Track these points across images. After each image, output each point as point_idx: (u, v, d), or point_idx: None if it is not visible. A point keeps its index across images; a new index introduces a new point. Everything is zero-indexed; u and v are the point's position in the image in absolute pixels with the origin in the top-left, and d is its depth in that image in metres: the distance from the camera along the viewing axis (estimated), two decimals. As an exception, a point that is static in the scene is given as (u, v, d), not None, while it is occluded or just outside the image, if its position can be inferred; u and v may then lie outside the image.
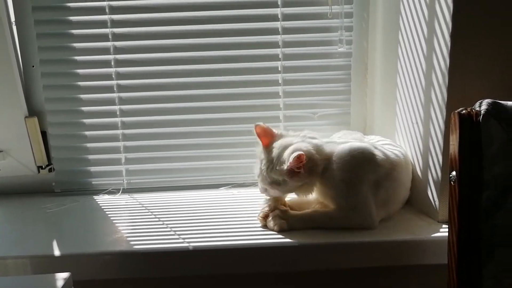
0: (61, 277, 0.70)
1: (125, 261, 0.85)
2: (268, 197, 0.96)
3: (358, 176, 0.88)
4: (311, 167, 0.88)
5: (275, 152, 0.91)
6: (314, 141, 0.92)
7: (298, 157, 0.85)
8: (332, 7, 1.10)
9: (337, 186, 0.88)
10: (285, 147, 0.90)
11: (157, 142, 1.17)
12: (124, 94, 1.13)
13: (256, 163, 0.96)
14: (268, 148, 0.93)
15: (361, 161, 0.89)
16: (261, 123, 0.95)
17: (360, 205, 0.88)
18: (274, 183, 0.91)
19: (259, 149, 0.96)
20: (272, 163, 0.90)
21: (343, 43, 1.12)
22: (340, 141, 0.96)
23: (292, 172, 0.87)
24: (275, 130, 0.96)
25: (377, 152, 0.91)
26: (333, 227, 0.88)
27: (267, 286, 0.98)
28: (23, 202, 1.12)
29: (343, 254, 0.86)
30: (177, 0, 1.09)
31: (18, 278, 0.79)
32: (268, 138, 0.95)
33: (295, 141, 0.91)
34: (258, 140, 0.95)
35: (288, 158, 0.86)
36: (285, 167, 0.87)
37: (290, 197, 0.98)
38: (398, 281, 0.96)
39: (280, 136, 0.94)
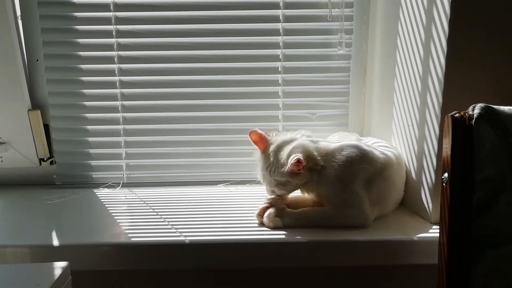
0: (59, 265, 0.71)
1: (122, 253, 0.86)
2: (272, 196, 0.96)
3: (350, 174, 0.89)
4: (312, 165, 0.89)
5: (274, 155, 0.92)
6: (311, 139, 0.94)
7: (298, 161, 0.86)
8: (332, 10, 1.12)
9: (331, 184, 0.89)
10: (283, 149, 0.92)
11: (158, 138, 1.18)
12: (126, 90, 1.15)
13: (257, 168, 0.97)
14: (266, 152, 0.94)
15: (353, 159, 0.90)
16: (256, 129, 0.96)
17: (354, 202, 0.89)
18: (279, 184, 0.92)
19: (257, 155, 0.97)
20: (273, 166, 0.92)
21: (342, 46, 1.14)
22: (334, 140, 0.99)
23: (293, 173, 0.89)
24: (269, 135, 0.96)
25: (368, 151, 0.92)
26: (327, 225, 0.89)
27: (260, 282, 0.99)
28: (24, 193, 1.13)
29: (336, 252, 0.87)
30: (181, -1, 1.11)
31: (17, 266, 0.80)
32: (264, 143, 0.95)
33: (289, 138, 0.94)
34: (255, 146, 0.96)
35: (287, 161, 0.88)
36: (285, 169, 0.89)
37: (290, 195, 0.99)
38: (389, 280, 0.98)
39: (275, 140, 0.95)
